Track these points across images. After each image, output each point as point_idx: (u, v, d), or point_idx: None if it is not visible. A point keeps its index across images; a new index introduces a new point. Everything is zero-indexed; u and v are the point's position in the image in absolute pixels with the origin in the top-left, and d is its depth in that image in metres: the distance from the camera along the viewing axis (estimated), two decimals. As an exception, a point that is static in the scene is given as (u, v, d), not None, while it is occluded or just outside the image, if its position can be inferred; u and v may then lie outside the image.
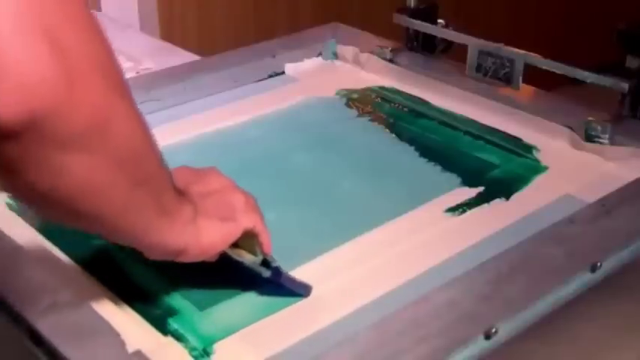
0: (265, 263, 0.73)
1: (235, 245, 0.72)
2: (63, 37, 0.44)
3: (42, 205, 0.53)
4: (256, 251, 0.73)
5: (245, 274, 0.73)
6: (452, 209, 0.86)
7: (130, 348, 0.63)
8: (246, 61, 1.16)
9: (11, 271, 0.72)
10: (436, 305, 0.68)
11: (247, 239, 0.72)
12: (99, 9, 1.66)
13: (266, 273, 0.73)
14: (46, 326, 0.65)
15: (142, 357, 0.63)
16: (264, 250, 0.72)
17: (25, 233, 0.80)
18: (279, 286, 0.73)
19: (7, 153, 0.44)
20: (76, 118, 0.45)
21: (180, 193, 0.63)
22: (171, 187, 0.61)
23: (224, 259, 0.72)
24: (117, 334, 0.64)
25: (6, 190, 0.53)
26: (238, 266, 0.73)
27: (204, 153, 0.99)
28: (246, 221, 0.69)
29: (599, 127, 0.95)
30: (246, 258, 0.73)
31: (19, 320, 0.67)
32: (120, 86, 0.50)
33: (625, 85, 0.95)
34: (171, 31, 1.80)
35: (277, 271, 0.73)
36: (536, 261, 0.73)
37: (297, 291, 0.73)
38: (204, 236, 0.65)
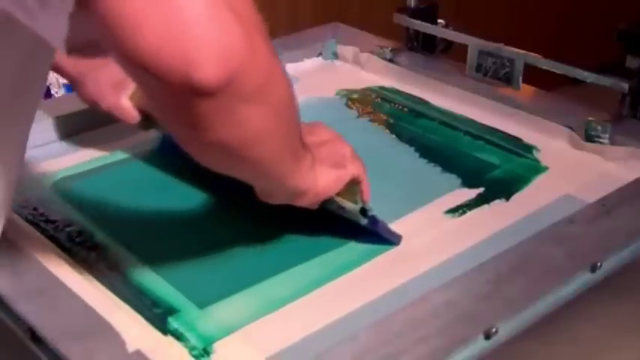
0: (363, 212, 0.78)
1: (337, 194, 0.77)
2: (237, 6, 0.51)
3: (213, 155, 0.61)
4: (357, 199, 0.78)
5: (341, 223, 0.80)
6: (452, 210, 0.86)
7: (130, 347, 0.63)
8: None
9: (12, 272, 0.72)
10: (436, 305, 0.68)
11: (349, 188, 0.77)
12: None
13: (364, 221, 0.78)
14: (46, 326, 0.65)
15: (142, 356, 0.63)
16: (363, 198, 0.78)
17: (25, 234, 0.80)
18: (374, 233, 0.79)
19: (203, 110, 0.52)
20: (256, 74, 0.52)
21: (304, 143, 0.69)
22: (301, 137, 0.68)
23: (323, 209, 0.78)
24: (117, 334, 0.64)
25: (184, 144, 0.60)
26: (334, 215, 0.79)
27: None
28: (354, 168, 0.77)
29: (599, 127, 0.95)
30: (348, 205, 0.77)
31: (19, 320, 0.67)
32: (272, 46, 0.56)
33: (625, 85, 0.95)
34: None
35: (374, 219, 0.79)
36: (536, 261, 0.73)
37: (391, 239, 0.79)
38: (320, 181, 0.72)
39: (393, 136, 1.02)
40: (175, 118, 0.56)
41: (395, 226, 0.82)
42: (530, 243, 0.76)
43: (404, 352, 0.63)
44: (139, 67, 0.49)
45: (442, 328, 0.65)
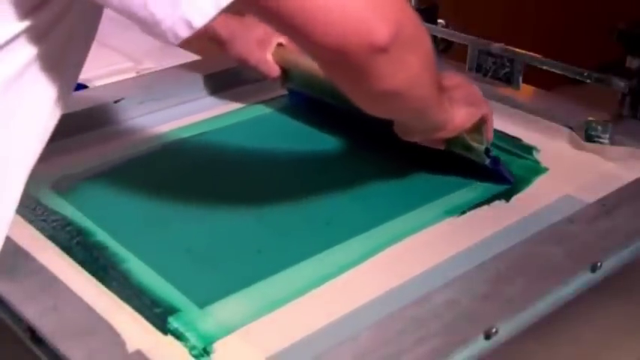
0: (486, 152, 0.87)
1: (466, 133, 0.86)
2: None
3: (383, 102, 0.71)
4: (483, 139, 0.87)
5: (463, 162, 0.89)
6: (452, 210, 0.86)
7: (130, 347, 0.63)
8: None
9: (11, 271, 0.72)
10: (436, 305, 0.68)
11: (476, 128, 0.86)
12: (99, 9, 1.65)
13: (486, 160, 0.87)
14: (46, 326, 0.65)
15: (142, 356, 0.63)
16: (488, 137, 0.88)
17: (25, 234, 0.80)
18: (495, 172, 0.88)
19: (381, 64, 0.64)
20: (410, 25, 0.65)
21: (441, 85, 0.78)
22: (440, 80, 0.77)
23: (449, 150, 0.88)
24: (117, 334, 0.65)
25: (360, 98, 0.71)
26: (456, 155, 0.89)
27: (206, 149, 0.99)
28: (485, 108, 0.88)
29: (599, 127, 0.95)
30: (476, 145, 0.87)
31: (19, 320, 0.67)
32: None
33: (625, 85, 0.95)
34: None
35: (496, 160, 0.88)
36: (536, 261, 0.73)
37: (509, 178, 0.89)
38: (456, 115, 0.83)
39: (394, 136, 1.02)
40: (357, 81, 0.67)
41: (395, 225, 0.83)
42: (530, 243, 0.76)
43: (404, 352, 0.63)
44: (329, 50, 0.61)
45: (442, 328, 0.65)
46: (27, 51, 0.58)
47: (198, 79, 1.12)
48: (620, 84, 0.95)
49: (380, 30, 0.61)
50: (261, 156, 0.98)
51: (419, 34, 0.67)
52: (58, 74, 0.61)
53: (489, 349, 0.66)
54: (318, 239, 0.80)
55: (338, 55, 0.62)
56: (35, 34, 0.57)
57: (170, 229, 0.83)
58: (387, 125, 0.86)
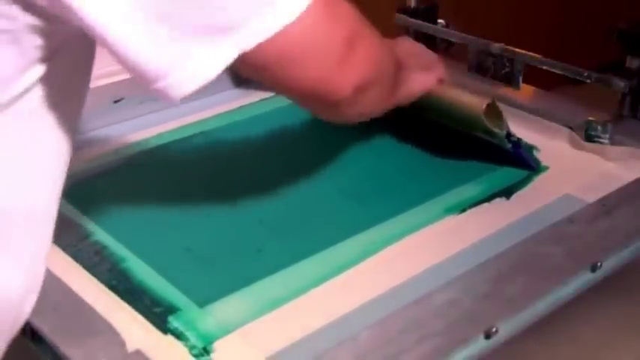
0: (507, 136, 0.90)
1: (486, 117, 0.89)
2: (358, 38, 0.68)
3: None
4: (502, 125, 0.90)
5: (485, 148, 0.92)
6: (452, 208, 0.86)
7: (130, 347, 0.63)
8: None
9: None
10: (437, 304, 0.67)
11: (495, 114, 0.89)
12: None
13: (508, 145, 0.89)
14: (46, 326, 0.65)
15: (142, 356, 0.63)
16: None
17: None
18: (517, 157, 0.91)
19: (346, 106, 0.70)
20: (372, 73, 0.71)
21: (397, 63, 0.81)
22: (396, 66, 0.80)
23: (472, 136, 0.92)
24: (117, 334, 0.65)
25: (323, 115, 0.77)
26: (479, 140, 0.92)
27: (205, 149, 1.00)
28: (439, 70, 0.92)
29: (599, 127, 0.95)
30: (496, 130, 0.89)
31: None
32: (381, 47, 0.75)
33: (625, 85, 0.95)
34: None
35: (517, 144, 0.90)
36: (536, 260, 0.73)
37: (531, 163, 0.92)
38: (413, 85, 0.86)
39: (394, 134, 1.02)
40: (327, 112, 0.74)
41: (396, 223, 0.83)
42: (531, 242, 0.76)
43: (404, 351, 0.63)
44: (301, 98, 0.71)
45: (443, 328, 0.65)
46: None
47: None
48: (620, 84, 0.95)
49: (342, 89, 0.68)
50: (261, 155, 0.98)
51: (381, 69, 0.74)
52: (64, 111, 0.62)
53: (489, 348, 0.66)
54: (318, 238, 0.80)
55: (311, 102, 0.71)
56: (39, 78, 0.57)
57: (170, 229, 0.83)
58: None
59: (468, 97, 0.91)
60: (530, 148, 0.95)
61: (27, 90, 0.56)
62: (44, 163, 0.62)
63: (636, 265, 0.79)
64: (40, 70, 0.56)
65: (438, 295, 0.69)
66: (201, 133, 1.02)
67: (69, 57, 0.59)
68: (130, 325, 0.67)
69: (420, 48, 0.95)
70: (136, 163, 0.96)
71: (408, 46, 0.92)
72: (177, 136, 1.01)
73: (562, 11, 2.08)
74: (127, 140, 1.00)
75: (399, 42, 0.91)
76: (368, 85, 0.70)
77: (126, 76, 1.13)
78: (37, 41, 0.55)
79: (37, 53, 0.55)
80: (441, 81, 0.92)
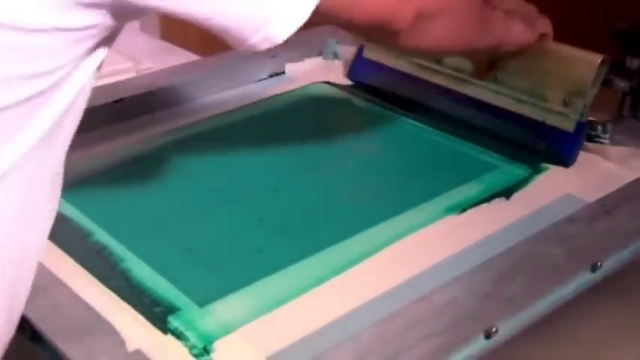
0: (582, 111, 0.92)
1: None
2: None
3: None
4: (592, 93, 0.91)
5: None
6: (452, 208, 0.85)
7: (130, 347, 0.63)
8: (247, 60, 1.16)
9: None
10: (437, 304, 0.68)
11: (597, 78, 0.90)
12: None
13: (574, 119, 0.92)
14: (45, 326, 0.65)
15: (142, 356, 0.63)
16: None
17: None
18: (567, 139, 0.93)
19: (410, 37, 0.74)
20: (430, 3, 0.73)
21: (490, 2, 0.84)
22: (482, 3, 0.82)
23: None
24: (117, 333, 0.64)
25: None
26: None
27: (206, 149, 0.99)
28: (544, 25, 0.92)
29: (599, 127, 0.95)
30: (588, 96, 0.91)
31: (19, 320, 0.67)
32: None
33: (625, 85, 0.95)
34: (171, 31, 1.79)
35: (583, 125, 0.93)
36: (537, 260, 0.73)
37: (569, 154, 0.93)
38: (513, 32, 0.87)
39: (394, 133, 1.02)
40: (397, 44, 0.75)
41: (396, 222, 0.83)
42: (531, 242, 0.76)
43: (405, 351, 0.63)
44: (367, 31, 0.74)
45: (443, 328, 0.65)
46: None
47: (199, 79, 1.12)
48: (620, 84, 0.95)
49: (402, 17, 0.70)
50: (261, 154, 0.98)
51: (446, 5, 0.75)
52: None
53: (489, 348, 0.66)
54: (319, 238, 0.80)
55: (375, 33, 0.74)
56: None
57: (170, 229, 0.83)
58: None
59: (578, 51, 0.93)
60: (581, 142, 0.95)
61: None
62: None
63: (636, 265, 0.79)
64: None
65: (438, 295, 0.69)
66: (200, 133, 1.02)
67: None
68: (130, 325, 0.67)
69: (523, 5, 0.92)
70: (136, 163, 0.96)
71: (511, 3, 0.90)
72: (176, 136, 1.01)
73: (561, 11, 2.08)
74: (127, 140, 1.00)
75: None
76: (432, 14, 0.72)
77: (126, 76, 1.14)
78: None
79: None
80: (544, 36, 0.92)
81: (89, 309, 0.67)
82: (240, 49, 0.62)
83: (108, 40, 0.59)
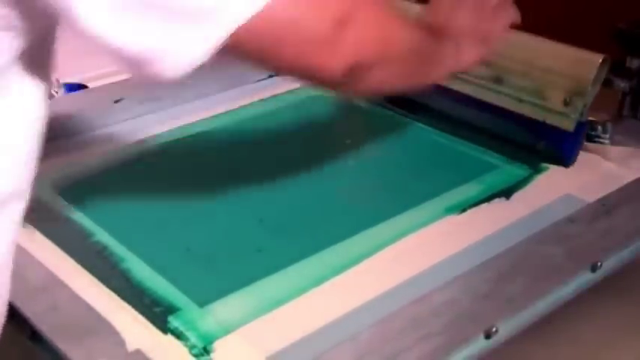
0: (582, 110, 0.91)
1: None
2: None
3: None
4: (593, 92, 0.90)
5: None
6: (452, 208, 0.85)
7: (130, 347, 0.63)
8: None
9: (12, 272, 0.72)
10: (437, 304, 0.67)
11: (597, 78, 0.89)
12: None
13: (575, 119, 0.91)
14: (45, 326, 0.65)
15: (142, 355, 0.63)
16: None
17: (24, 232, 0.80)
18: (567, 138, 0.92)
19: (343, 86, 0.66)
20: (369, 52, 0.64)
21: (438, 33, 0.74)
22: (427, 39, 0.72)
23: None
24: (117, 333, 0.64)
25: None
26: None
27: (206, 149, 1.00)
28: (491, 44, 0.81)
29: (599, 127, 0.95)
30: (588, 94, 0.90)
31: (19, 320, 0.67)
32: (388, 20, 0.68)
33: (625, 85, 0.95)
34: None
35: (584, 125, 0.92)
36: (537, 260, 0.73)
37: (569, 154, 0.93)
38: (462, 58, 0.77)
39: (394, 134, 1.02)
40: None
41: (395, 222, 0.83)
42: (531, 242, 0.76)
43: (404, 351, 0.63)
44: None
45: (443, 328, 0.65)
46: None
47: (199, 79, 1.12)
48: (620, 84, 0.95)
49: (331, 71, 0.62)
50: (260, 154, 0.98)
51: (387, 48, 0.67)
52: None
53: (489, 348, 0.66)
54: (319, 238, 0.80)
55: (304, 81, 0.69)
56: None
57: (170, 229, 0.83)
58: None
59: (579, 51, 0.92)
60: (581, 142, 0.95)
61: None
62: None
63: (636, 265, 0.79)
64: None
65: (437, 295, 0.69)
66: (200, 133, 1.02)
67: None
68: (130, 325, 0.67)
69: (466, 6, 0.80)
70: (136, 164, 0.96)
71: (447, 9, 0.78)
72: (176, 136, 1.01)
73: (561, 11, 2.07)
74: (127, 140, 1.00)
75: (435, 6, 0.79)
76: (367, 65, 0.65)
77: (126, 76, 1.13)
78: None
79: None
80: (512, 26, 0.86)
81: (89, 309, 0.67)
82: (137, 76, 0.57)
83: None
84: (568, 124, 0.93)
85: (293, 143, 1.00)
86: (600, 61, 0.91)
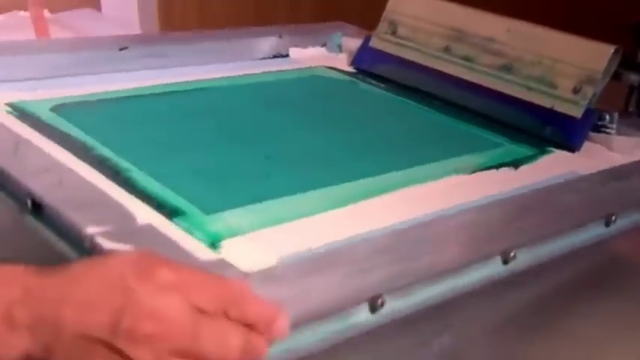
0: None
1: None
2: None
3: None
4: (603, 82, 0.91)
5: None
6: (461, 169, 0.84)
7: (141, 221, 0.60)
8: (253, 37, 1.16)
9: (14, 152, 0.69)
10: (454, 226, 0.66)
11: (608, 68, 0.90)
12: (99, 9, 1.65)
13: (583, 106, 0.91)
14: (51, 198, 0.62)
15: (154, 229, 0.60)
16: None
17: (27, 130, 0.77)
18: (575, 125, 0.92)
19: None
20: None
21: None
22: None
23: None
24: (126, 209, 0.62)
25: None
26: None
27: (217, 99, 0.99)
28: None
29: (606, 117, 0.94)
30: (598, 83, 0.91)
31: (19, 194, 0.64)
32: None
33: (635, 79, 0.96)
34: (170, 21, 1.79)
35: (592, 112, 0.91)
36: (552, 204, 0.72)
37: (584, 138, 0.92)
38: None
39: (402, 112, 1.02)
40: None
41: (405, 174, 0.81)
42: (545, 190, 0.75)
43: (420, 255, 0.61)
44: None
45: (460, 245, 0.63)
46: None
47: (204, 47, 1.11)
48: (630, 77, 0.96)
49: None
50: (272, 109, 0.97)
51: None
52: None
53: (505, 275, 0.64)
54: (325, 177, 0.78)
55: None
56: None
57: (177, 154, 0.81)
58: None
59: (591, 42, 0.93)
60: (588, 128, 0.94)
61: None
62: None
63: (636, 265, 0.78)
64: None
65: (454, 220, 0.67)
66: (206, 88, 1.01)
67: None
68: (140, 207, 0.64)
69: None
70: (140, 100, 0.94)
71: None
72: (182, 87, 0.99)
73: (563, 9, 2.10)
74: (131, 84, 0.98)
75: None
76: None
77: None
78: None
79: None
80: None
81: (96, 188, 0.64)
82: None
83: None
84: (576, 111, 0.93)
85: (301, 106, 0.99)
86: (613, 50, 0.92)
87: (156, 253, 0.50)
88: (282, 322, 0.48)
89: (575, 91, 0.93)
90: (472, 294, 0.62)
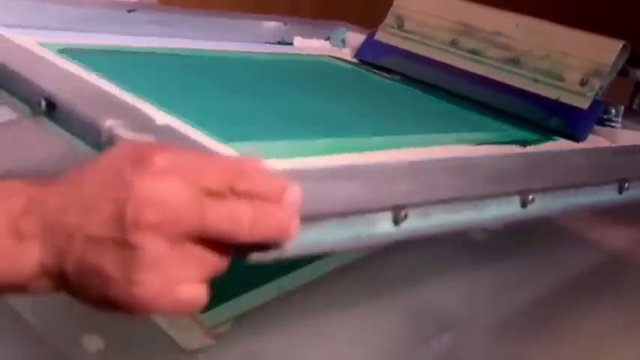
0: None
1: None
2: None
3: None
4: (610, 75, 0.91)
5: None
6: (468, 140, 0.83)
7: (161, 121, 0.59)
8: (258, 20, 1.16)
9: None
10: (473, 163, 0.65)
11: (616, 63, 0.91)
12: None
13: (590, 97, 0.91)
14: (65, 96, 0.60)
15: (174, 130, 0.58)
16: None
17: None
18: (579, 116, 0.91)
19: None
20: None
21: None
22: None
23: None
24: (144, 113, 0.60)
25: None
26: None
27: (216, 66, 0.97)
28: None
29: (612, 110, 0.95)
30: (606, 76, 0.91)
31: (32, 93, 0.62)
32: None
33: (640, 74, 0.96)
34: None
35: (599, 104, 0.91)
36: (564, 165, 0.72)
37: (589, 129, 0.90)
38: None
39: (406, 98, 1.02)
40: None
41: (405, 138, 0.80)
42: (556, 152, 0.74)
43: (438, 185, 0.59)
44: None
45: (477, 181, 0.62)
46: None
47: (208, 24, 1.10)
48: (637, 72, 0.96)
49: None
50: (284, 79, 0.97)
51: None
52: None
53: (522, 217, 0.63)
54: (344, 131, 0.78)
55: None
56: None
57: (191, 98, 0.79)
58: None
59: (600, 37, 0.94)
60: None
61: None
62: None
63: (636, 265, 0.78)
64: None
65: (474, 158, 0.66)
66: (213, 57, 1.00)
67: None
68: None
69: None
70: (145, 55, 0.93)
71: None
72: (188, 52, 0.98)
73: (564, 8, 2.11)
74: (136, 44, 0.97)
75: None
76: None
77: None
78: None
79: None
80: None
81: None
82: None
83: None
84: (583, 102, 0.93)
85: (309, 81, 0.99)
86: (621, 46, 0.93)
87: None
88: (294, 192, 0.46)
89: (582, 83, 0.93)
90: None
